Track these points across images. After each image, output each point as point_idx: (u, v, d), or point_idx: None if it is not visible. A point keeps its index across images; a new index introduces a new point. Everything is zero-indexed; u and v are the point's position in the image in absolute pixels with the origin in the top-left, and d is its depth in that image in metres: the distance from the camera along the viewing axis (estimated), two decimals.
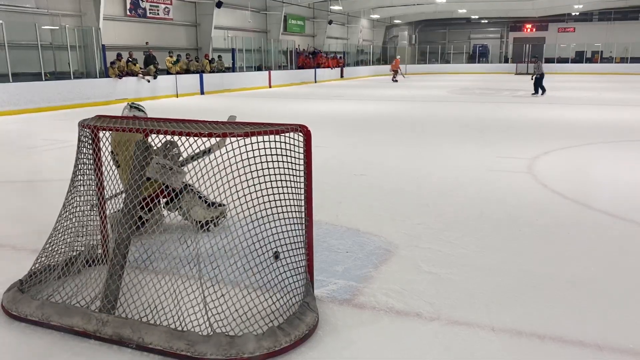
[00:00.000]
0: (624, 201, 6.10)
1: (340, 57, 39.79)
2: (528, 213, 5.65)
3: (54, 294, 3.47)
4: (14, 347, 3.12)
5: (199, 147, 3.45)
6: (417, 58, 51.58)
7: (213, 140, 3.73)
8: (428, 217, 5.54)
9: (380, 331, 3.26)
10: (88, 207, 3.78)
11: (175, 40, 26.14)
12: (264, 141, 3.25)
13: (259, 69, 29.89)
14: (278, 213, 3.45)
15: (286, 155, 3.39)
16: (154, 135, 3.67)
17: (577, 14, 44.61)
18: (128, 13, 23.05)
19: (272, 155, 3.31)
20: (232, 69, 27.91)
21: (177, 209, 4.78)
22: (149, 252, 3.77)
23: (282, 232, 3.50)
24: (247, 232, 3.43)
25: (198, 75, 23.78)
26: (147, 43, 23.84)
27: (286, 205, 3.47)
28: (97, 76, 19.71)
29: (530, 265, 4.26)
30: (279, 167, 3.38)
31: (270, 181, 3.35)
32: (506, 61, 48.09)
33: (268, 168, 3.32)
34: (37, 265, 3.74)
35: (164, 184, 4.06)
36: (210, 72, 24.73)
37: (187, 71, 23.49)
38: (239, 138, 3.11)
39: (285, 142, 3.39)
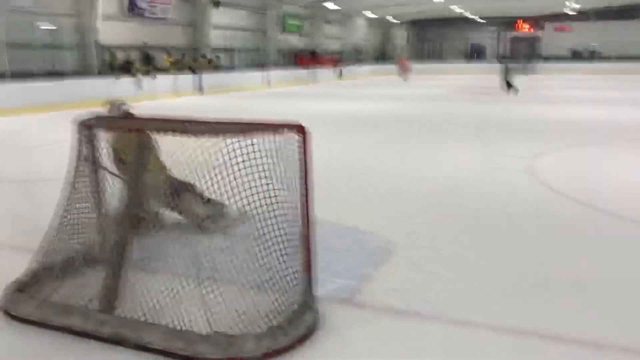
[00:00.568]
0: (623, 200, 6.10)
1: (339, 56, 39.76)
2: (527, 212, 5.65)
3: (53, 294, 3.46)
4: (13, 347, 3.11)
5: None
6: (414, 57, 51.56)
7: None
8: (428, 216, 5.53)
9: (379, 330, 3.25)
10: (86, 206, 3.76)
11: (174, 40, 26.11)
12: (263, 141, 3.25)
13: (258, 68, 29.86)
14: (278, 212, 3.44)
15: (285, 154, 3.37)
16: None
17: (575, 13, 44.63)
18: (126, 12, 23.02)
19: (271, 154, 3.30)
20: (231, 68, 27.89)
21: (176, 206, 4.76)
22: (148, 252, 3.76)
23: (281, 231, 3.48)
24: (246, 231, 3.42)
25: (196, 74, 23.75)
26: (145, 43, 23.80)
27: (286, 205, 3.45)
28: (95, 76, 19.67)
29: (530, 264, 4.26)
30: (278, 167, 3.37)
31: (268, 179, 3.33)
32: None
33: (266, 165, 3.31)
34: (35, 265, 3.72)
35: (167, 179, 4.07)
36: (208, 71, 24.70)
37: (185, 70, 23.46)
38: (235, 139, 3.11)
39: (283, 141, 3.38)
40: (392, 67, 39.55)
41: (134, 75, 20.41)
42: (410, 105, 18.27)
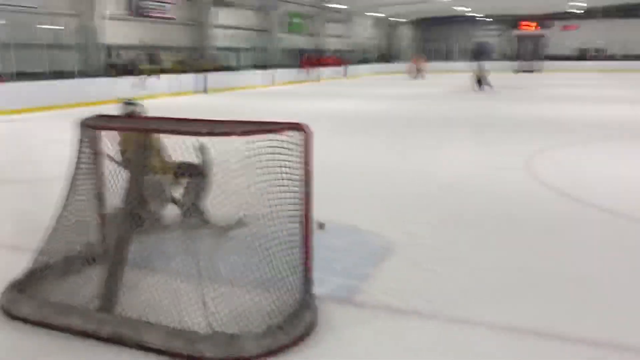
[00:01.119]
0: (623, 198, 6.08)
1: (343, 56, 39.70)
2: (527, 210, 5.64)
3: (53, 294, 3.47)
4: (13, 347, 3.12)
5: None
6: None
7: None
8: (427, 215, 5.53)
9: (379, 329, 3.25)
10: (87, 206, 3.77)
11: (177, 39, 26.14)
12: (263, 140, 3.25)
13: (262, 67, 29.85)
14: (278, 212, 3.44)
15: (285, 154, 3.37)
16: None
17: (581, 12, 44.45)
18: (129, 12, 23.07)
19: (271, 153, 3.30)
20: (235, 67, 27.89)
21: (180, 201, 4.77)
22: (148, 251, 3.77)
23: (281, 230, 3.49)
24: (246, 230, 3.43)
25: (200, 74, 23.76)
26: (145, 42, 23.83)
27: (285, 204, 3.45)
28: (97, 75, 19.71)
29: (529, 262, 4.25)
30: (278, 166, 3.37)
31: (267, 178, 3.33)
32: (509, 59, 47.97)
33: (266, 164, 3.31)
34: (35, 264, 3.73)
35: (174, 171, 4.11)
36: (212, 70, 24.70)
37: (188, 70, 23.47)
38: (237, 137, 3.11)
39: (284, 141, 3.38)
40: (395, 66, 39.44)
41: (140, 73, 20.44)
42: (412, 105, 18.24)
